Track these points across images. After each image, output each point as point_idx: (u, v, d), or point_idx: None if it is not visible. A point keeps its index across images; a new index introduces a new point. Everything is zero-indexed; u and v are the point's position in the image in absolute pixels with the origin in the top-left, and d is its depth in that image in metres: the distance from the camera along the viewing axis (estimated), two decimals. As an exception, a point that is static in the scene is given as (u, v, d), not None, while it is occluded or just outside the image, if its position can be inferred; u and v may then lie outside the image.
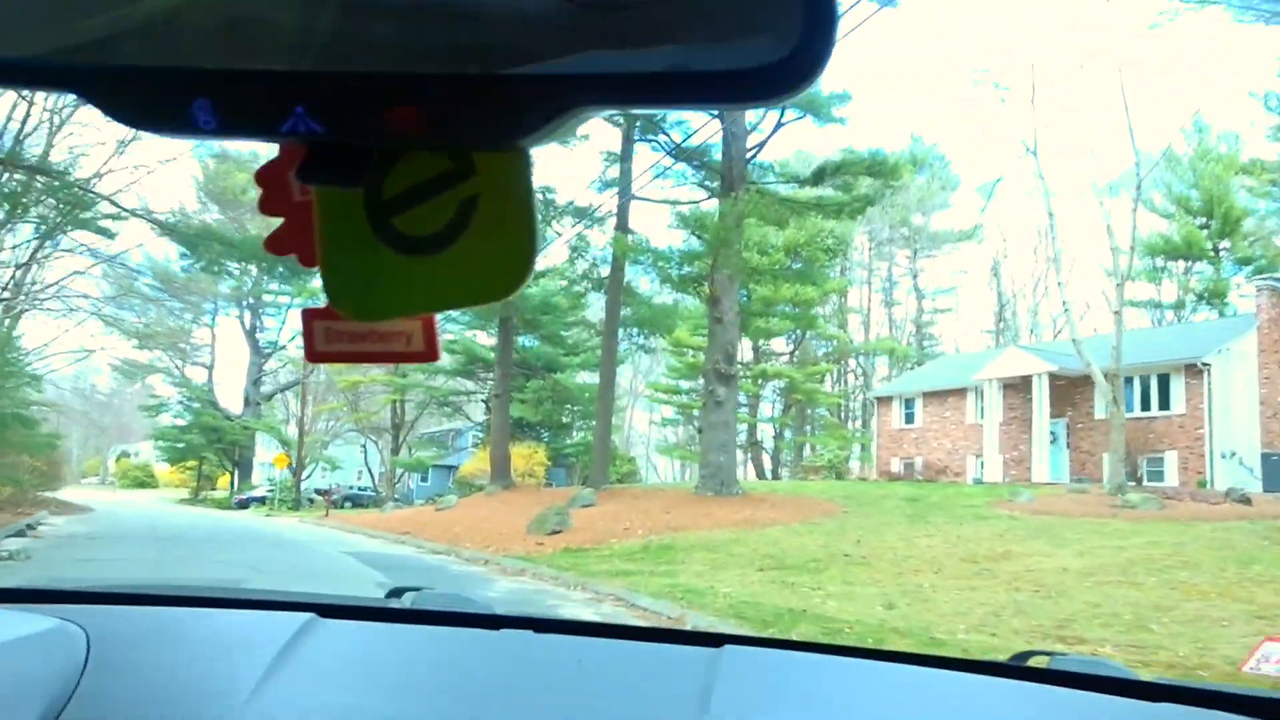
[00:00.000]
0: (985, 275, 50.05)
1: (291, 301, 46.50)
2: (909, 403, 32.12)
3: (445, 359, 41.63)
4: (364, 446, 43.78)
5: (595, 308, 37.97)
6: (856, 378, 47.83)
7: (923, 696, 1.28)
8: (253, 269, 46.00)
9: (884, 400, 33.38)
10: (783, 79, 0.41)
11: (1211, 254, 40.68)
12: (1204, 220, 40.37)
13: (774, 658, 1.42)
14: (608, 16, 0.44)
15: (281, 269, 50.77)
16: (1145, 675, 1.41)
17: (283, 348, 46.93)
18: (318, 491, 39.04)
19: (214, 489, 51.89)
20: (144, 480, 59.26)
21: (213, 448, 44.36)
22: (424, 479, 47.27)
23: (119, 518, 25.10)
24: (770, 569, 13.41)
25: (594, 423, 43.35)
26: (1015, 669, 1.43)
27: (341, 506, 39.32)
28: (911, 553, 14.77)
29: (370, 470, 44.43)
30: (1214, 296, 39.74)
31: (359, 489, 43.90)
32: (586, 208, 27.16)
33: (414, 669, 1.23)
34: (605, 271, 27.17)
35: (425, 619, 1.47)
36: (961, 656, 2.02)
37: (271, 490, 39.58)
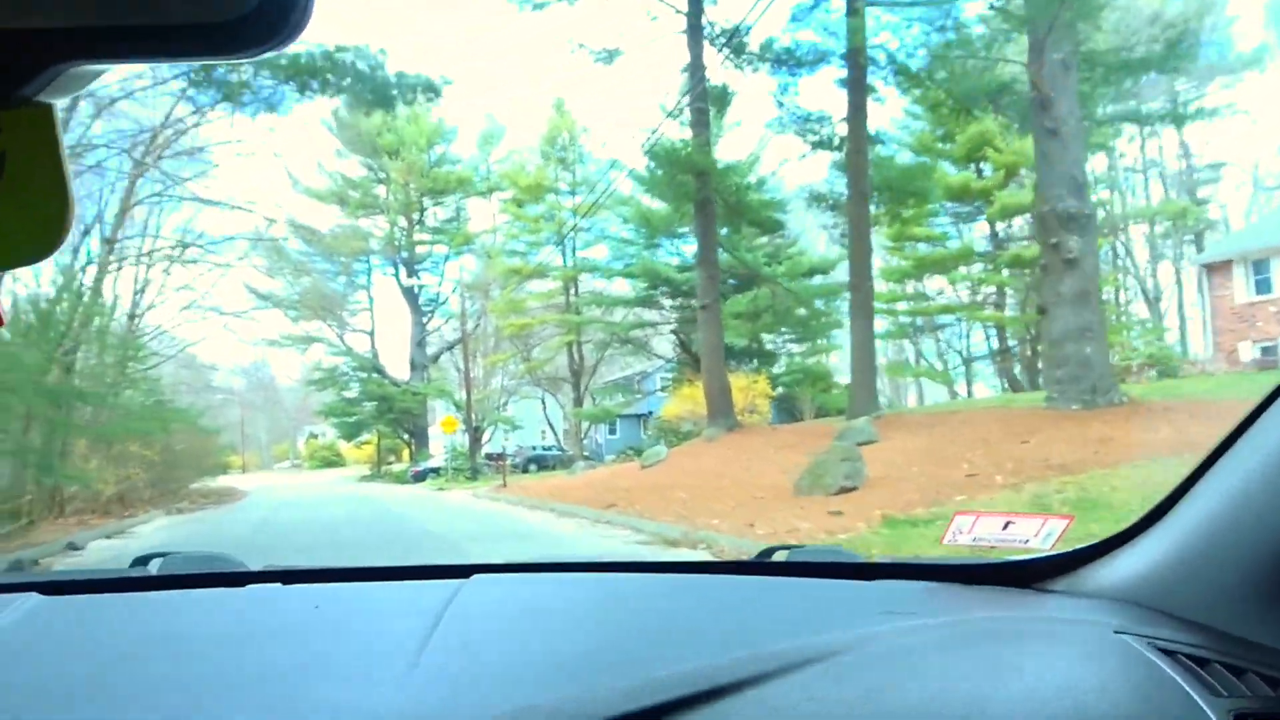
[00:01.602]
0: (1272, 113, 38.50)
1: (449, 252, 41.25)
2: (1260, 266, 22.64)
3: (625, 286, 35.28)
4: (543, 400, 37.62)
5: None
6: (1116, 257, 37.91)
7: (671, 599, 1.29)
8: (402, 220, 41.01)
9: (1216, 267, 23.37)
10: (253, 32, 0.45)
11: None
12: None
13: (519, 581, 1.39)
14: None
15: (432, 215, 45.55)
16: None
17: (444, 302, 41.48)
18: (488, 457, 33.26)
19: (398, 461, 48.17)
20: (331, 459, 56.28)
21: (384, 419, 39.34)
22: (612, 431, 41.21)
23: (252, 510, 20.03)
24: None
25: (806, 344, 35.52)
26: (759, 565, 1.53)
27: (526, 470, 33.82)
28: None
29: (553, 426, 38.48)
30: None
31: (543, 449, 37.97)
32: (791, 49, 19.61)
33: (147, 636, 1.15)
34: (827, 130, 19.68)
35: (172, 585, 1.40)
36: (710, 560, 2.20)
37: (447, 459, 34.22)
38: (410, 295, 41.37)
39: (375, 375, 39.95)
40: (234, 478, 46.70)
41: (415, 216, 40.61)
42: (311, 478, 45.59)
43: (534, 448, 37.86)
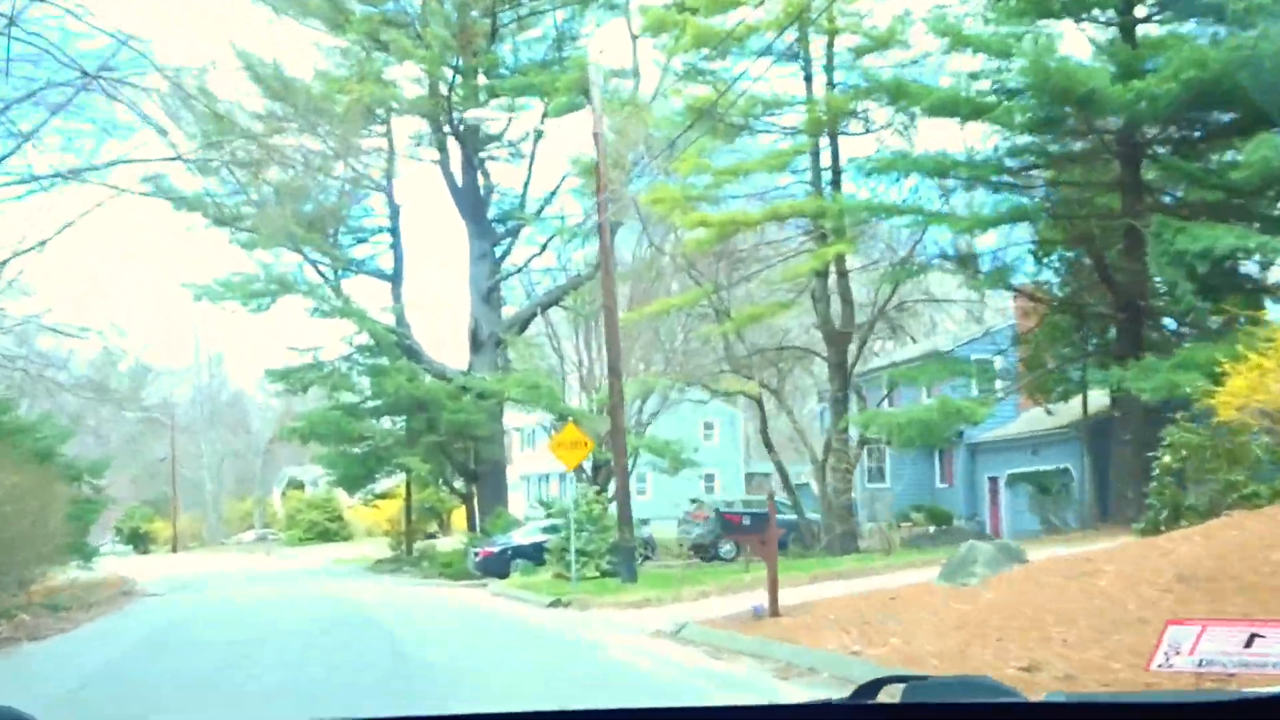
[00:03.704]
0: None
1: (545, 112, 30.66)
2: None
3: (935, 141, 19.98)
4: (760, 404, 23.47)
5: None
6: None
7: None
8: (451, 60, 30.95)
9: None
10: None
11: None
12: None
13: None
14: None
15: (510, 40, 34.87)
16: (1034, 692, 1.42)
17: (538, 213, 27.94)
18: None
19: (445, 532, 35.53)
20: (326, 528, 45.24)
21: (421, 447, 26.73)
22: (877, 474, 30.14)
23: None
24: None
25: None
26: (854, 709, 1.49)
27: (713, 556, 23.44)
28: None
29: (779, 463, 24.69)
30: None
31: (745, 505, 24.83)
32: None
33: None
34: None
35: None
36: (796, 702, 1.92)
37: (553, 527, 20.79)
38: (470, 201, 28.29)
39: (403, 361, 27.20)
40: (152, 560, 36.98)
41: (479, 47, 27.46)
42: (282, 564, 34.95)
43: (728, 504, 26.93)
